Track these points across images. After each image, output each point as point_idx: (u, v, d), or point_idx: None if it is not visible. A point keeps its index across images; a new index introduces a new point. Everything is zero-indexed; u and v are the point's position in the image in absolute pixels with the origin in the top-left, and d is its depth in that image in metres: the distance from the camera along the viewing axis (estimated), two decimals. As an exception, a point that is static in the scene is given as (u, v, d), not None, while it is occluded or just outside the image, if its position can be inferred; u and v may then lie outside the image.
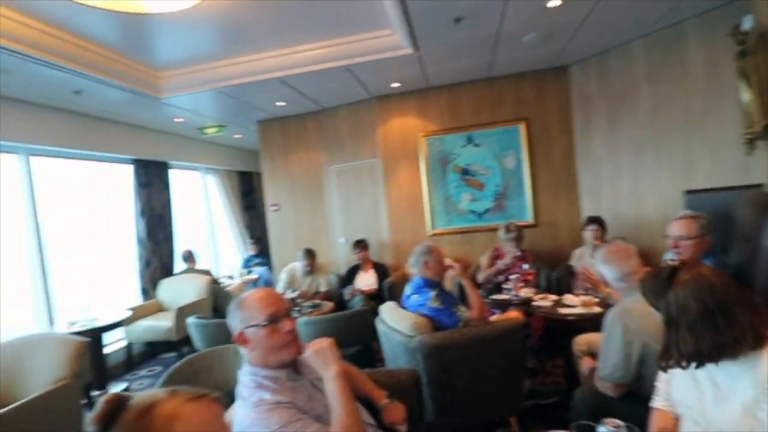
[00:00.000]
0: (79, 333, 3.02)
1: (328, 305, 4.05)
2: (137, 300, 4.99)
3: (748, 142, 2.49)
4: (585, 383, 2.11)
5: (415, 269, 2.59)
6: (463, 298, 2.65)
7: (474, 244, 4.75)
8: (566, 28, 3.43)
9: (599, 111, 4.24)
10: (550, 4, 2.93)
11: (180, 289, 4.97)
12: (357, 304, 4.18)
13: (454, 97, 4.77)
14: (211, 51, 3.54)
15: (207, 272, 5.38)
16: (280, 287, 4.60)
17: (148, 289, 5.07)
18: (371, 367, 1.97)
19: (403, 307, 2.57)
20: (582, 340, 2.48)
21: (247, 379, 1.32)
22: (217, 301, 5.06)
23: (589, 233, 3.53)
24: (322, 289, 4.60)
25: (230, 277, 6.31)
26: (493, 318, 2.83)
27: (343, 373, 1.33)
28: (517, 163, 4.65)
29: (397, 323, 2.43)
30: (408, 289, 2.61)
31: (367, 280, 4.56)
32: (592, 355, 2.27)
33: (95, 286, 4.75)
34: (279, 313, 1.32)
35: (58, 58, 2.95)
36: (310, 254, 4.59)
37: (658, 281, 1.18)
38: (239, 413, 1.25)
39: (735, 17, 2.72)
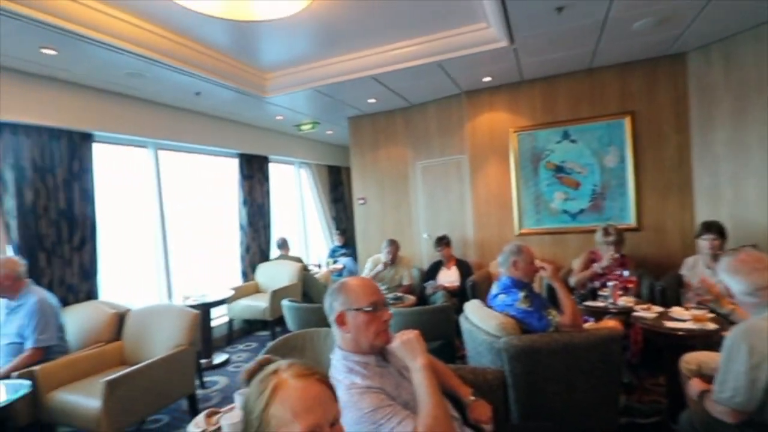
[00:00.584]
0: (192, 307, 3.43)
1: (410, 299, 4.12)
2: (238, 281, 5.51)
3: None
4: (694, 407, 1.91)
5: (503, 268, 2.53)
6: (553, 302, 2.53)
7: (565, 246, 4.49)
8: (686, 11, 3.07)
9: (722, 104, 3.73)
10: (668, -14, 2.65)
11: (274, 274, 5.40)
12: (438, 299, 4.19)
13: (549, 90, 4.53)
14: (311, 52, 3.76)
15: (299, 259, 5.76)
16: (364, 274, 4.76)
17: (248, 271, 5.57)
18: (453, 364, 1.98)
19: (489, 306, 2.53)
20: (691, 359, 2.24)
21: (339, 363, 1.40)
22: (306, 286, 5.42)
23: (706, 242, 3.12)
24: (405, 282, 4.67)
25: (318, 266, 6.70)
26: (586, 326, 2.66)
27: (429, 365, 1.37)
28: (620, 160, 4.28)
29: (482, 322, 2.40)
30: (494, 289, 2.56)
31: (449, 277, 4.55)
32: (703, 376, 2.04)
33: (205, 266, 5.35)
34: (379, 303, 1.40)
35: (183, 63, 3.36)
36: (393, 243, 4.67)
37: None
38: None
39: None
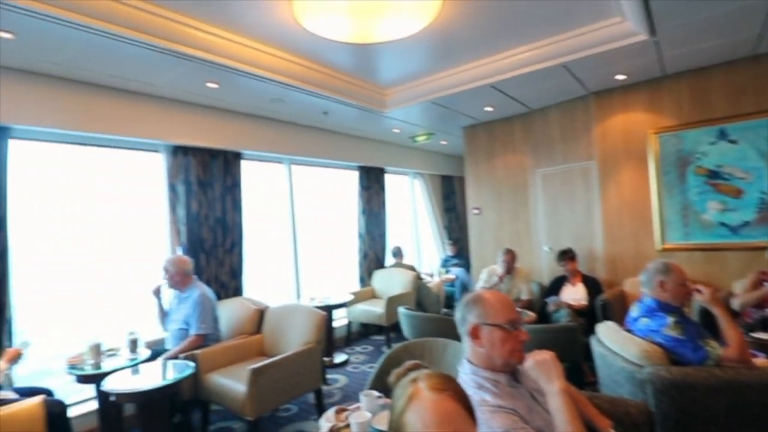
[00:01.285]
0: (317, 308, 3.72)
1: (530, 315, 3.89)
2: (356, 286, 5.82)
3: None
4: None
5: (646, 289, 2.24)
6: (712, 331, 2.16)
7: (723, 264, 3.82)
8: None
9: None
10: None
11: (389, 281, 5.58)
12: (562, 318, 3.88)
13: (699, 83, 3.93)
14: (428, 66, 3.84)
15: (412, 268, 5.88)
16: (479, 285, 4.64)
17: (365, 277, 5.86)
18: (583, 391, 1.81)
19: (627, 330, 2.27)
20: None
21: (468, 377, 1.37)
22: (419, 295, 5.49)
23: None
24: (523, 296, 4.43)
25: (430, 275, 6.73)
26: (757, 362, 2.22)
27: (567, 390, 1.28)
28: (801, 163, 3.51)
29: (620, 347, 2.16)
30: (635, 311, 2.28)
31: (574, 294, 4.18)
32: None
33: (327, 271, 5.77)
34: (516, 321, 1.36)
35: (315, 86, 3.70)
36: (509, 252, 4.46)
37: None
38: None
39: None
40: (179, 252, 3.85)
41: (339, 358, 4.75)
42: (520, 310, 3.94)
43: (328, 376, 4.24)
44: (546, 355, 1.34)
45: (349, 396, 3.78)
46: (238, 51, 3.08)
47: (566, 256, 4.26)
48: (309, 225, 5.48)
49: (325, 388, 3.92)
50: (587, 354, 2.57)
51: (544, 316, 4.11)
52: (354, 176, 5.90)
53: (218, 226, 4.10)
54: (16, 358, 2.59)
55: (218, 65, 3.04)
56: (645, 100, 4.20)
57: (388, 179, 6.46)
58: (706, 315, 3.31)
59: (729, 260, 3.79)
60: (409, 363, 1.00)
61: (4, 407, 2.36)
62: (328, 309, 4.49)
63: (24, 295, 3.07)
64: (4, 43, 2.54)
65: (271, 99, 3.91)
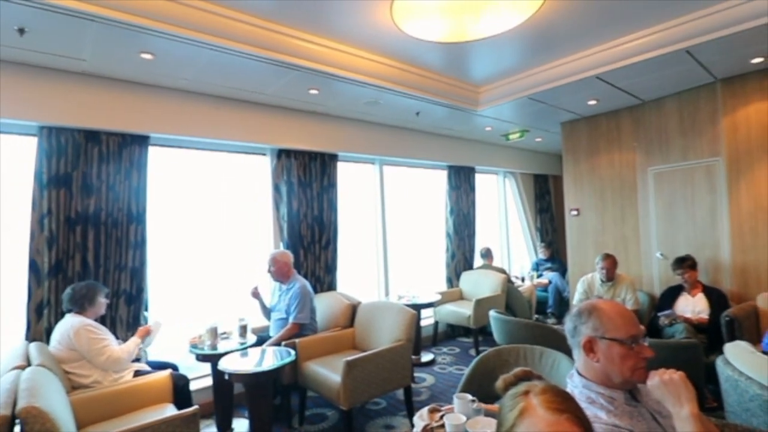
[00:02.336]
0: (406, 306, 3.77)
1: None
2: (443, 286, 5.79)
3: None
4: None
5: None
6: None
7: None
8: None
9: None
10: None
11: (478, 283, 5.46)
12: (678, 333, 3.47)
13: None
14: (525, 61, 3.68)
15: (502, 270, 5.68)
16: (576, 299, 4.35)
17: (452, 278, 5.80)
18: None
19: (765, 353, 1.97)
20: None
21: (578, 391, 1.30)
22: (509, 298, 5.29)
23: None
24: (629, 306, 4.04)
25: (520, 278, 6.45)
26: None
27: (700, 415, 1.14)
28: None
29: (756, 372, 1.89)
30: (776, 331, 1.97)
31: (693, 306, 3.71)
32: None
33: (415, 270, 5.82)
34: (639, 336, 1.26)
35: (407, 87, 3.75)
36: (608, 258, 4.08)
37: None
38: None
39: None
40: (282, 247, 4.17)
41: (426, 357, 4.77)
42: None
43: (416, 375, 4.28)
44: (676, 375, 1.21)
45: (436, 396, 3.79)
46: (337, 57, 3.24)
47: (685, 263, 3.78)
48: (398, 224, 5.58)
49: (413, 386, 3.97)
50: (708, 377, 2.28)
51: (653, 330, 3.71)
52: (443, 176, 5.87)
53: (315, 224, 4.36)
54: (148, 335, 3.03)
55: (319, 72, 3.23)
56: (791, 86, 3.58)
57: (478, 178, 6.31)
58: None
59: None
60: (518, 370, 0.95)
61: (141, 377, 2.78)
62: (417, 308, 4.53)
63: (157, 281, 3.57)
64: (146, 64, 2.98)
65: (367, 102, 4.05)
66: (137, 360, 2.99)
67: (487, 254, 5.86)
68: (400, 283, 5.35)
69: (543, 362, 2.36)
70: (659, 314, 3.75)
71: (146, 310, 3.42)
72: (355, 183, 5.13)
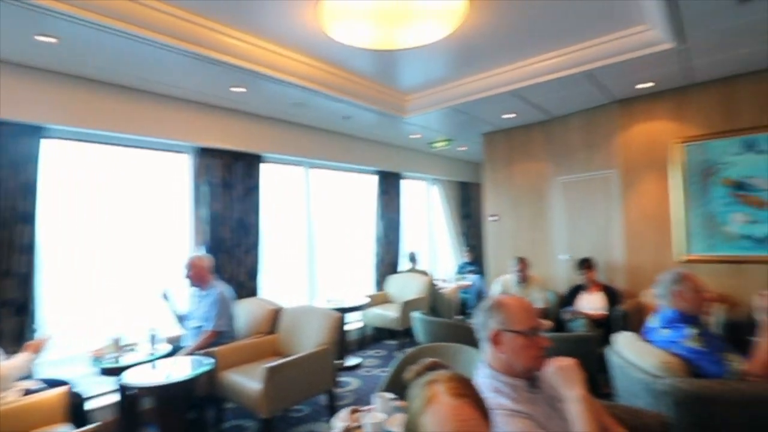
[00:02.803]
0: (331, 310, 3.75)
1: (545, 324, 3.85)
2: (371, 290, 5.84)
3: None
4: None
5: (663, 300, 2.21)
6: (736, 343, 2.11)
7: (746, 277, 3.71)
8: None
9: None
10: None
11: (404, 286, 5.59)
12: (578, 327, 3.83)
13: (726, 93, 3.85)
14: (450, 72, 3.86)
15: (427, 274, 5.87)
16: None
17: (380, 281, 5.88)
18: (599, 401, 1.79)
19: (645, 341, 2.24)
20: None
21: (486, 381, 1.38)
22: (433, 300, 5.48)
23: None
24: (538, 305, 4.38)
25: (444, 281, 6.71)
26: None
27: (588, 397, 1.27)
28: (833, 176, 3.40)
29: (638, 358, 2.13)
30: (654, 321, 2.25)
31: (591, 303, 4.12)
32: None
33: (343, 274, 5.81)
34: (538, 328, 1.37)
35: (336, 91, 3.76)
36: (522, 261, 4.45)
37: None
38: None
39: None
40: (201, 251, 3.94)
41: (352, 361, 4.77)
42: (536, 318, 3.90)
43: (341, 379, 4.25)
44: (568, 362, 1.34)
45: (361, 399, 3.79)
46: (263, 55, 3.15)
47: (585, 265, 4.21)
48: (326, 228, 5.54)
49: (337, 390, 3.94)
50: (602, 365, 2.54)
51: (559, 325, 4.06)
52: (373, 181, 5.94)
53: (238, 227, 4.18)
54: (39, 349, 2.69)
55: (243, 69, 3.12)
56: (670, 109, 4.14)
57: (406, 185, 6.48)
58: (729, 329, 3.24)
59: (751, 273, 3.68)
60: (427, 361, 0.99)
61: (30, 396, 2.46)
62: (343, 311, 4.51)
63: (50, 289, 3.19)
64: (47, 48, 2.67)
65: (293, 103, 3.99)
66: (27, 378, 2.65)
67: (413, 258, 6.02)
68: (329, 288, 5.30)
69: (461, 358, 2.47)
70: (562, 310, 4.12)
71: (35, 321, 3.03)
72: (282, 186, 5.01)
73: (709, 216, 3.93)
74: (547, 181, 5.13)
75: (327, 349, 3.24)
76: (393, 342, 5.49)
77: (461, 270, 7.10)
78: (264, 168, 4.48)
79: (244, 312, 3.80)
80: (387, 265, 5.97)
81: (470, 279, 6.70)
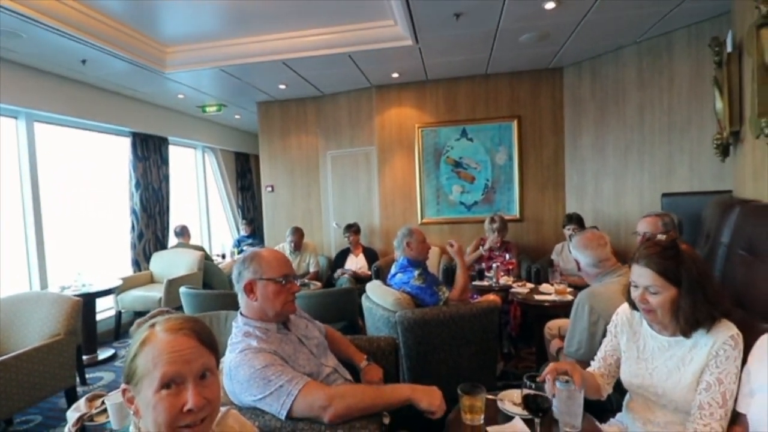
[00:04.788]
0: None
1: (317, 285, 4.19)
2: (128, 270, 5.08)
3: (718, 148, 2.64)
4: (551, 361, 2.27)
5: (398, 251, 2.73)
6: (449, 281, 2.80)
7: (462, 234, 4.91)
8: (562, 30, 3.55)
9: (588, 113, 4.39)
10: (547, 6, 3.05)
11: (172, 263, 5.07)
12: (344, 283, 4.33)
13: (451, 91, 4.89)
14: (218, 29, 3.62)
15: (200, 248, 5.48)
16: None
17: (140, 260, 5.16)
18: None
19: (388, 285, 2.72)
20: (553, 325, 2.64)
21: (238, 328, 1.45)
22: (207, 276, 5.18)
23: (568, 231, 3.68)
24: (312, 269, 4.73)
25: (222, 255, 6.42)
26: (481, 300, 2.98)
27: (333, 333, 1.51)
28: (508, 159, 4.80)
29: (380, 299, 2.57)
30: (393, 269, 2.75)
31: (356, 264, 4.70)
32: (562, 338, 2.43)
33: (88, 254, 4.84)
34: (290, 275, 1.48)
35: (67, 25, 3.02)
36: (296, 231, 4.71)
37: (667, 251, 1.26)
38: (228, 357, 1.39)
39: (721, 30, 2.86)
40: None
41: (105, 353, 4.10)
42: (307, 281, 4.20)
43: (91, 375, 3.63)
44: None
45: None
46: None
47: (351, 229, 4.74)
48: (62, 199, 4.47)
49: (84, 389, 3.34)
50: (361, 311, 2.95)
51: (331, 285, 4.49)
52: (126, 144, 5.07)
53: None
54: None
55: None
56: (414, 99, 4.98)
57: (173, 151, 5.80)
58: (447, 272, 4.23)
59: (465, 231, 4.90)
60: (154, 311, 0.95)
61: None
62: (88, 297, 3.80)
63: None
64: None
65: (4, 31, 2.99)
66: None
67: (182, 232, 5.50)
68: (68, 271, 4.33)
69: (229, 323, 2.45)
70: (334, 273, 4.57)
71: None
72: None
73: (438, 188, 4.99)
74: (320, 154, 5.48)
75: (63, 340, 2.68)
76: (159, 325, 4.95)
77: (239, 243, 6.91)
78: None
79: None
80: (150, 241, 5.28)
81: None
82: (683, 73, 3.52)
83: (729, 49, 2.45)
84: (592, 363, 1.54)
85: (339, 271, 4.61)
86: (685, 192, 3.41)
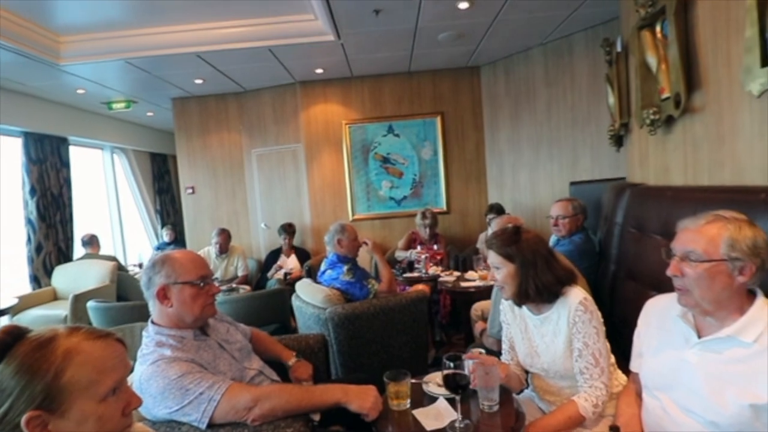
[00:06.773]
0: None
1: (246, 289, 4.02)
2: (26, 287, 4.52)
3: (612, 139, 2.95)
4: (477, 342, 2.39)
5: (329, 247, 2.71)
6: (378, 275, 2.82)
7: (392, 228, 4.99)
8: (477, 30, 3.73)
9: (504, 109, 4.68)
10: (461, 5, 3.18)
11: (79, 276, 4.58)
12: (273, 284, 4.21)
13: (376, 87, 4.94)
14: (122, 17, 3.32)
15: (112, 258, 5.02)
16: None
17: (39, 275, 4.61)
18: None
19: (318, 283, 2.69)
20: (478, 307, 2.78)
21: (149, 339, 1.34)
22: (122, 289, 4.75)
23: (489, 219, 3.90)
24: (240, 273, 4.53)
25: (139, 265, 5.94)
26: (410, 290, 3.04)
27: (258, 333, 1.46)
28: (433, 153, 4.95)
29: (310, 297, 2.54)
30: (323, 266, 2.72)
31: (289, 265, 4.59)
32: (485, 319, 2.56)
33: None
34: (208, 277, 1.39)
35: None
36: (222, 233, 4.49)
37: (507, 235, 1.43)
38: (138, 370, 1.28)
39: (612, 33, 3.19)
40: None
41: None
42: (235, 286, 4.02)
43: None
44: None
45: None
46: None
47: (289, 230, 4.63)
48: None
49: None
50: (293, 311, 2.89)
51: (262, 286, 4.34)
52: (17, 144, 4.49)
53: None
54: None
55: None
56: (340, 95, 4.96)
57: (75, 152, 5.24)
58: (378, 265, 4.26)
59: (395, 225, 4.99)
60: (4, 327, 0.77)
61: None
62: (-26, 321, 3.33)
63: None
64: None
65: None
66: None
67: (90, 242, 4.99)
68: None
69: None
70: (266, 274, 4.43)
71: None
72: None
73: (368, 184, 5.02)
74: (244, 152, 5.26)
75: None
76: (66, 346, 4.46)
77: (160, 250, 6.44)
78: None
79: None
80: (51, 253, 4.73)
81: (170, 259, 6.17)
82: (582, 73, 3.88)
83: (618, 49, 2.74)
84: (502, 357, 1.62)
85: (275, 267, 4.50)
86: (589, 180, 3.76)
